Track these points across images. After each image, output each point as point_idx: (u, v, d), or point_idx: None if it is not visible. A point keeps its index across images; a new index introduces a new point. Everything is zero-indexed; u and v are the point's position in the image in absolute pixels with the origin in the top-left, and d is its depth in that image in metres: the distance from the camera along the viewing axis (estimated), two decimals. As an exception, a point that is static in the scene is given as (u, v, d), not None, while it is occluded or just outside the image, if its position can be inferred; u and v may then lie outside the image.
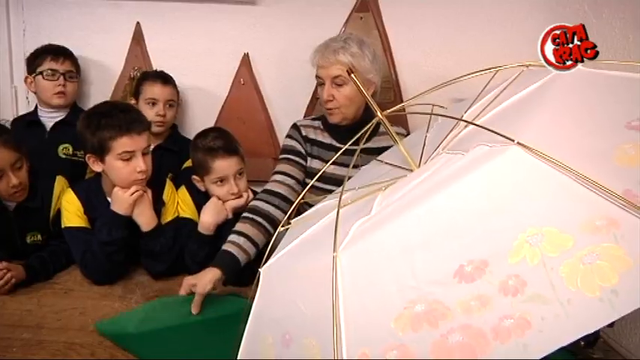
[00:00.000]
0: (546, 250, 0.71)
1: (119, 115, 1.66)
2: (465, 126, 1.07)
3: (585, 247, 0.69)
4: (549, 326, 0.67)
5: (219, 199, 1.78)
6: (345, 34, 2.01)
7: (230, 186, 1.77)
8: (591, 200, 0.73)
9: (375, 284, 0.81)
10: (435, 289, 0.75)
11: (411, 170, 1.15)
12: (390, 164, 1.34)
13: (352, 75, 1.20)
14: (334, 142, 1.93)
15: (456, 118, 1.07)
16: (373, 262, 0.83)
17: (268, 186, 1.83)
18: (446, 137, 1.14)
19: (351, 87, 1.82)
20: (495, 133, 0.84)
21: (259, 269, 1.10)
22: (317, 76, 1.89)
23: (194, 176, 1.84)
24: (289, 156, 1.94)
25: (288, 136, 2.01)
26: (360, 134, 1.16)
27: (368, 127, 1.16)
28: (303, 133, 1.97)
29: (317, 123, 2.01)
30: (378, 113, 1.16)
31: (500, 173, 0.81)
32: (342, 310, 0.80)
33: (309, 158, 1.96)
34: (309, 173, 1.94)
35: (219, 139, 1.80)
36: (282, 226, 1.20)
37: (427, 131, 1.36)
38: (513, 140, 0.80)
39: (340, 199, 0.97)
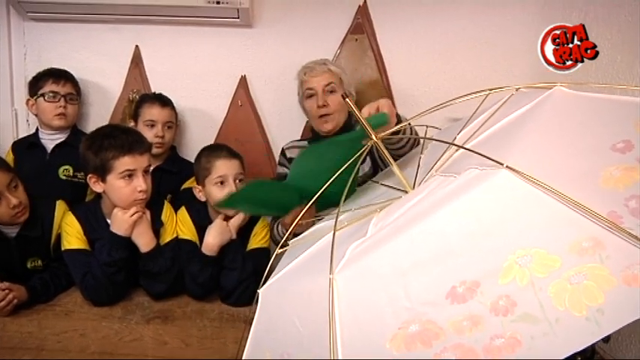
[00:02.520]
0: (535, 270, 0.73)
1: (121, 136, 1.70)
2: (457, 148, 1.10)
3: (572, 267, 0.72)
4: (538, 345, 0.69)
5: (223, 218, 1.80)
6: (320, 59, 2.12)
7: (230, 188, 1.79)
8: (578, 222, 0.75)
9: (371, 305, 0.82)
10: (428, 310, 0.77)
11: (406, 191, 1.18)
12: (386, 185, 1.36)
13: (347, 99, 1.23)
14: None
15: (448, 142, 1.10)
16: (368, 284, 0.85)
17: None
18: (439, 159, 1.17)
19: (340, 95, 1.96)
20: (485, 157, 0.86)
21: (258, 290, 1.12)
22: (307, 89, 2.02)
23: (195, 185, 1.87)
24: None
25: (278, 162, 2.21)
26: (354, 157, 1.18)
27: (362, 150, 1.19)
28: (288, 156, 2.14)
29: (302, 142, 2.18)
30: (373, 136, 1.19)
31: (490, 196, 0.83)
32: (339, 332, 0.82)
33: None
34: None
35: (223, 146, 1.91)
36: (281, 248, 1.21)
37: (421, 152, 1.39)
38: (503, 164, 0.83)
39: (336, 221, 0.99)
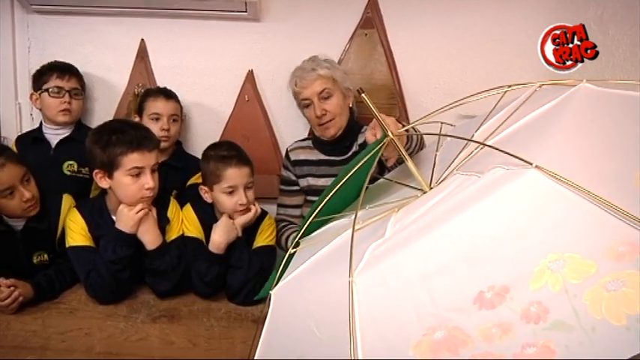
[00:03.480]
0: (568, 276, 0.70)
1: (130, 132, 1.66)
2: (478, 145, 1.06)
3: (608, 273, 0.68)
4: (574, 355, 0.65)
5: (229, 216, 1.77)
6: (308, 58, 2.07)
7: (240, 196, 1.75)
8: (613, 225, 0.71)
9: (393, 310, 0.79)
10: (454, 316, 0.74)
11: (421, 189, 1.14)
12: (401, 183, 1.33)
13: (363, 94, 1.19)
14: (322, 156, 2.07)
15: (470, 140, 1.06)
16: (390, 288, 0.81)
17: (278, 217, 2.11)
18: (457, 156, 1.13)
19: (337, 96, 1.96)
20: (512, 155, 0.82)
21: (270, 291, 1.08)
22: (302, 99, 1.99)
23: (202, 186, 1.83)
24: (285, 187, 2.17)
25: (282, 165, 2.20)
26: (371, 154, 1.14)
27: (379, 146, 1.15)
28: (292, 158, 2.13)
29: (306, 142, 2.15)
30: (390, 134, 1.15)
31: (519, 197, 0.80)
32: (359, 337, 0.78)
33: (300, 179, 2.11)
34: (307, 191, 2.11)
35: (233, 150, 1.82)
36: (293, 248, 1.18)
37: (437, 150, 1.36)
38: (532, 163, 0.79)
39: (355, 221, 0.96)
